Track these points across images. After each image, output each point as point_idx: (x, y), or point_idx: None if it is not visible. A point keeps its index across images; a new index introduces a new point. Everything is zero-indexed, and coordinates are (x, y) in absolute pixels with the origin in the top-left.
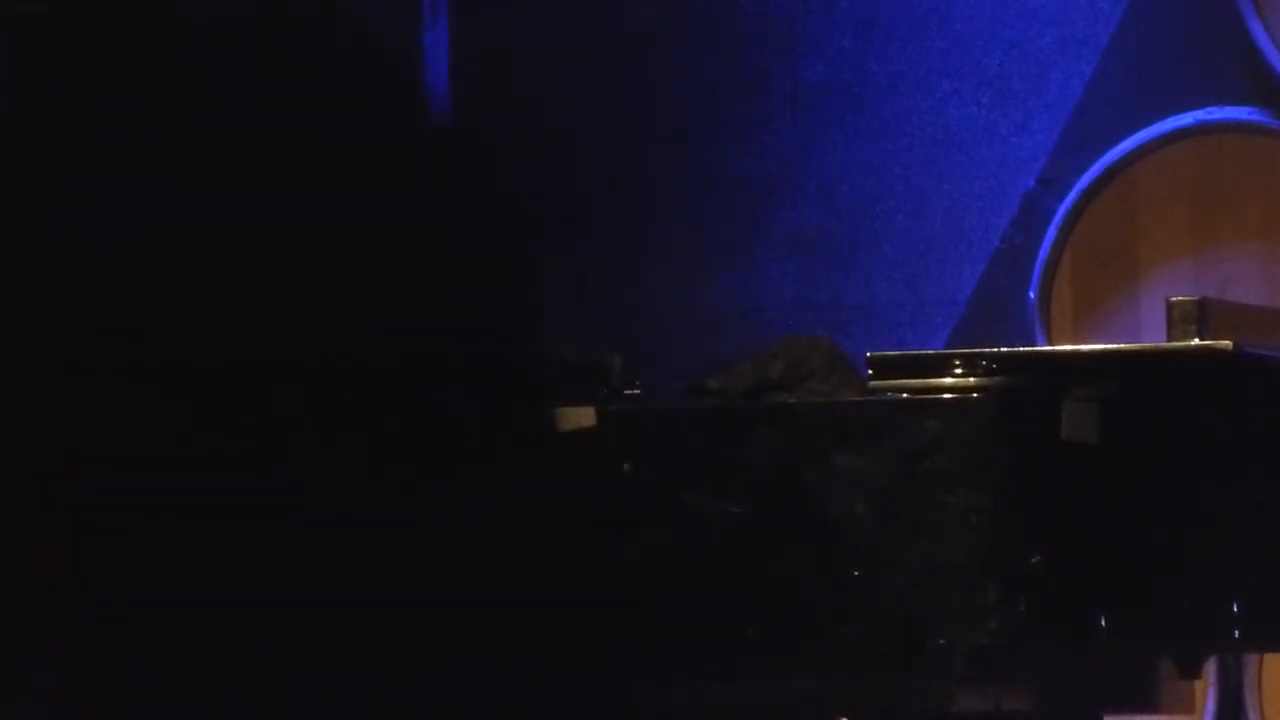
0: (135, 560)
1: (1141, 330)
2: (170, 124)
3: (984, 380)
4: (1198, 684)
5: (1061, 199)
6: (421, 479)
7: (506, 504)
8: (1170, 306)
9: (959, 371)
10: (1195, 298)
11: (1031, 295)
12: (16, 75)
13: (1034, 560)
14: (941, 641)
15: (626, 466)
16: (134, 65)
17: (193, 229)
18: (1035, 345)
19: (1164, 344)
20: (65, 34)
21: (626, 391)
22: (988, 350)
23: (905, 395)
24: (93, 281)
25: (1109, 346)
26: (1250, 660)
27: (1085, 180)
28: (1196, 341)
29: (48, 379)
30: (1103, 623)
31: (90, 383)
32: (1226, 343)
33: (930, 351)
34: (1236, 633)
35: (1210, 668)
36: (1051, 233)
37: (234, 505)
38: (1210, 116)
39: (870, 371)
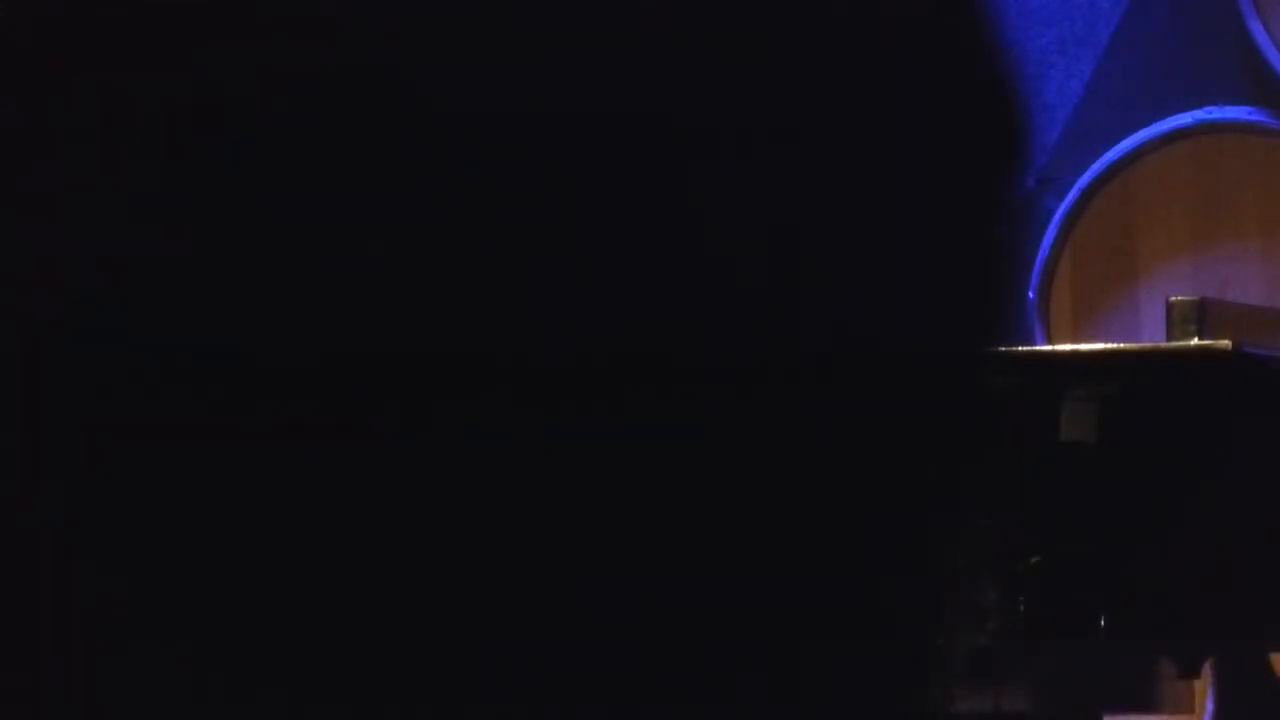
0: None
1: (1141, 330)
2: None
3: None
4: (1197, 684)
5: (1061, 199)
6: None
7: None
8: (1170, 306)
9: None
10: (1195, 298)
11: (1031, 295)
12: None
13: (1033, 561)
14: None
15: None
16: None
17: None
18: (1034, 345)
19: (1164, 344)
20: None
21: None
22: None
23: None
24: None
25: (1109, 346)
26: None
27: (1085, 180)
28: (1196, 341)
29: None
30: (1103, 623)
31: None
32: (1226, 342)
33: None
34: (1237, 632)
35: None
36: (1051, 233)
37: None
38: (1210, 116)
39: None
